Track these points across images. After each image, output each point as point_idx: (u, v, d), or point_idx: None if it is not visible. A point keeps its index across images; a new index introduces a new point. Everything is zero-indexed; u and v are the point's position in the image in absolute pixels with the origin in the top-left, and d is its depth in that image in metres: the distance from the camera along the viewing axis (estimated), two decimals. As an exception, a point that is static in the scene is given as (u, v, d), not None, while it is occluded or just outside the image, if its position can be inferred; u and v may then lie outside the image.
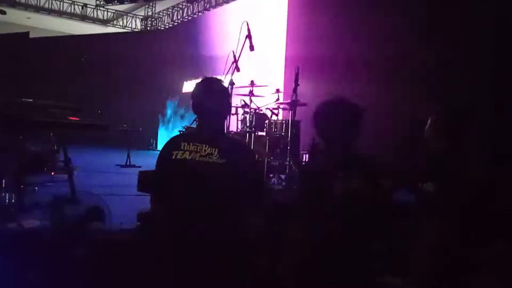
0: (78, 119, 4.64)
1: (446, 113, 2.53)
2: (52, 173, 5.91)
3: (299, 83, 4.43)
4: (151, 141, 12.73)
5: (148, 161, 8.84)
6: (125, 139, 8.49)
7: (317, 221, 2.00)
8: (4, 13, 12.95)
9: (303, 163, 4.71)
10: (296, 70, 4.41)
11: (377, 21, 6.24)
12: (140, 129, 8.96)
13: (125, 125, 8.37)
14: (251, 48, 4.52)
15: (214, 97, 2.11)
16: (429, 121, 2.48)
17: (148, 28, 15.62)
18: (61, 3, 14.72)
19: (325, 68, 7.01)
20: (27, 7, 14.17)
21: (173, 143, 2.11)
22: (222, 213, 2.00)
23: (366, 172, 2.04)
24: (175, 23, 14.33)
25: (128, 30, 15.98)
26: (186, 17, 13.79)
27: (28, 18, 15.21)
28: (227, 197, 2.00)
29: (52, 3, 14.57)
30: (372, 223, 1.98)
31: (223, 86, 2.19)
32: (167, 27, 14.67)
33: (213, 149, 2.00)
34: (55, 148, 6.86)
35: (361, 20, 6.59)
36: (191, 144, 2.04)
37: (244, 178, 2.01)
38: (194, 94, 2.12)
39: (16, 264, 2.51)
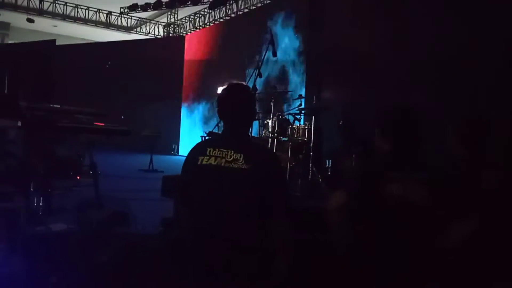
0: (103, 124, 4.73)
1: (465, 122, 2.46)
2: (78, 178, 6.03)
3: (322, 89, 4.41)
4: (173, 146, 12.85)
5: (170, 166, 8.95)
6: (148, 144, 8.60)
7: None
8: (32, 21, 13.32)
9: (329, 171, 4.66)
10: (319, 77, 4.39)
11: (400, 24, 6.16)
12: (162, 134, 9.06)
13: (148, 130, 8.48)
14: (274, 54, 4.53)
15: (239, 103, 2.11)
16: (450, 130, 2.43)
17: (171, 34, 15.83)
18: (87, 11, 15.06)
19: (346, 73, 6.95)
20: (54, 15, 14.55)
21: (199, 148, 2.11)
22: (246, 219, 2.00)
23: (424, 176, 2.02)
24: (197, 29, 14.49)
25: (151, 37, 16.23)
26: (208, 23, 13.92)
27: (55, 26, 15.61)
28: (252, 203, 2.00)
29: (78, 11, 14.92)
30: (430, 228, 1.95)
31: (249, 92, 2.19)
32: (189, 33, 14.84)
33: (239, 155, 2.00)
34: (80, 152, 6.99)
35: (382, 23, 6.51)
36: (217, 149, 2.04)
37: (269, 184, 2.00)
38: (219, 100, 2.13)
39: (44, 267, 2.56)
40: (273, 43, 4.56)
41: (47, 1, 14.23)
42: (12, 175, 3.15)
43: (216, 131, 8.14)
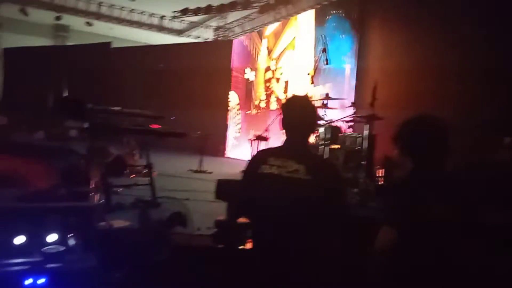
0: (159, 126, 4.93)
1: None
2: (132, 176, 6.30)
3: (376, 97, 4.37)
4: (221, 148, 13.08)
5: (217, 167, 9.13)
6: (197, 145, 8.83)
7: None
8: (60, 18, 13.83)
9: (382, 180, 4.61)
10: (374, 84, 4.36)
11: (454, 31, 6.01)
12: (212, 136, 9.27)
13: (198, 132, 8.70)
14: (326, 61, 4.54)
15: (302, 114, 2.16)
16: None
17: (219, 38, 16.11)
18: (141, 15, 15.63)
19: (398, 80, 6.83)
20: (111, 19, 15.23)
21: (260, 157, 2.18)
22: (306, 229, 2.04)
23: (456, 194, 1.97)
24: (246, 33, 14.66)
25: (201, 40, 16.60)
26: (257, 28, 14.05)
27: (111, 28, 16.29)
28: (312, 214, 2.03)
29: (133, 15, 15.53)
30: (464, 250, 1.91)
31: (311, 103, 2.24)
32: (238, 37, 15.04)
33: (300, 166, 2.04)
34: (134, 152, 7.29)
35: (435, 31, 6.37)
36: (278, 159, 2.09)
37: (330, 196, 2.03)
38: (283, 110, 2.19)
39: (107, 263, 2.70)
40: (325, 50, 4.57)
41: (104, 5, 14.90)
42: (81, 175, 3.36)
43: (265, 136, 8.23)
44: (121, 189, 4.88)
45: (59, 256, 2.04)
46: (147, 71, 13.43)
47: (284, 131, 2.23)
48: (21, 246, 2.06)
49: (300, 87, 9.72)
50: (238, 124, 13.22)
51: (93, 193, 2.64)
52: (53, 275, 2.00)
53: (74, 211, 2.18)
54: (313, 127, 2.29)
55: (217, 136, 12.46)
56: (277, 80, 11.68)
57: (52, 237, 2.14)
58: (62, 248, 2.08)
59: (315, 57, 4.99)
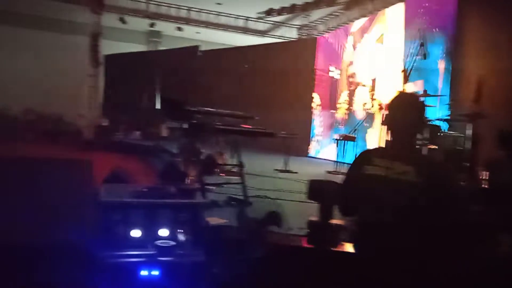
0: (250, 126, 5.03)
1: None
2: (222, 175, 6.51)
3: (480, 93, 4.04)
4: (304, 148, 13.04)
5: (302, 167, 9.10)
6: (282, 145, 8.89)
7: None
8: (125, 22, 14.72)
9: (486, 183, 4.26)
10: (479, 80, 4.04)
11: None
12: (298, 136, 9.28)
13: (283, 132, 8.75)
14: (424, 56, 4.30)
15: (409, 113, 2.06)
16: None
17: (303, 36, 16.06)
18: (227, 17, 16.13)
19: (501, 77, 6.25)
20: (199, 23, 15.94)
21: (365, 158, 2.12)
22: (416, 234, 1.94)
23: None
24: (330, 31, 14.45)
25: (285, 40, 16.69)
26: (342, 25, 13.78)
27: (198, 32, 17.00)
28: (422, 219, 1.93)
29: (220, 18, 16.09)
30: None
31: (420, 102, 2.13)
32: (322, 35, 14.89)
33: (409, 167, 1.95)
34: (223, 151, 7.53)
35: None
36: (384, 160, 2.02)
37: (441, 200, 1.91)
38: (390, 109, 2.10)
39: (211, 258, 2.81)
40: (423, 44, 4.33)
41: (193, 10, 15.61)
42: (181, 172, 3.55)
43: (352, 135, 8.04)
44: (213, 187, 5.06)
45: (171, 250, 2.16)
46: (233, 72, 13.81)
47: (388, 130, 2.15)
48: (136, 239, 2.22)
49: (389, 84, 9.35)
50: (321, 123, 13.08)
51: (198, 191, 2.77)
52: (165, 268, 2.12)
53: (184, 208, 2.30)
54: (421, 127, 2.18)
55: (300, 135, 12.43)
56: (357, 83, 11.35)
57: (163, 232, 2.28)
58: (173, 243, 2.20)
59: (410, 52, 4.74)
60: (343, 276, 2.52)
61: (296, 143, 10.76)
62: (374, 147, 5.04)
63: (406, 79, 4.31)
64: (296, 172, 8.18)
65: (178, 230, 2.27)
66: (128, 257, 2.10)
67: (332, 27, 14.51)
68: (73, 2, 14.30)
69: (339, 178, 6.11)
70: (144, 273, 2.09)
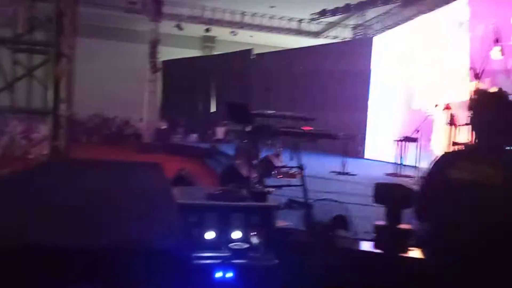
0: (311, 128, 4.97)
1: None
2: (279, 177, 6.49)
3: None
4: (359, 149, 12.76)
5: (359, 169, 8.87)
6: (339, 147, 8.76)
7: None
8: (181, 28, 14.97)
9: None
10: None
11: None
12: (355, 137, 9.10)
13: (342, 133, 8.61)
14: (502, 52, 4.05)
15: (498, 113, 1.92)
16: None
17: (358, 36, 15.74)
18: (280, 20, 16.15)
19: None
20: (252, 27, 16.10)
21: (447, 161, 2.00)
22: (504, 240, 1.81)
23: None
24: (386, 30, 14.04)
25: (339, 40, 16.44)
26: (399, 22, 13.34)
27: (251, 36, 17.15)
28: (509, 228, 1.79)
29: (273, 21, 16.15)
30: None
31: (508, 100, 1.98)
32: (377, 34, 14.50)
33: (497, 172, 1.82)
34: (279, 153, 7.52)
35: None
36: (470, 163, 1.90)
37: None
38: (474, 108, 1.98)
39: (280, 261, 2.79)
40: (498, 40, 4.08)
41: (247, 14, 15.79)
42: (241, 175, 3.57)
43: (414, 137, 7.73)
44: (273, 189, 5.05)
45: (244, 253, 2.17)
46: (287, 74, 13.79)
47: (474, 132, 2.02)
48: (211, 241, 2.24)
49: (453, 84, 8.92)
50: (377, 124, 12.73)
51: (267, 194, 2.77)
52: (239, 270, 2.13)
53: (256, 210, 2.30)
54: (510, 127, 2.02)
55: (356, 136, 12.18)
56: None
57: (236, 234, 2.29)
58: (246, 245, 2.20)
59: (480, 48, 4.47)
60: (412, 283, 2.41)
61: (352, 144, 10.55)
62: (457, 149, 4.81)
63: (477, 77, 4.06)
64: (354, 174, 8.01)
65: (251, 233, 2.27)
66: (203, 259, 2.12)
67: (389, 26, 14.09)
68: (135, 12, 14.94)
69: (403, 181, 5.91)
70: (219, 274, 2.11)
